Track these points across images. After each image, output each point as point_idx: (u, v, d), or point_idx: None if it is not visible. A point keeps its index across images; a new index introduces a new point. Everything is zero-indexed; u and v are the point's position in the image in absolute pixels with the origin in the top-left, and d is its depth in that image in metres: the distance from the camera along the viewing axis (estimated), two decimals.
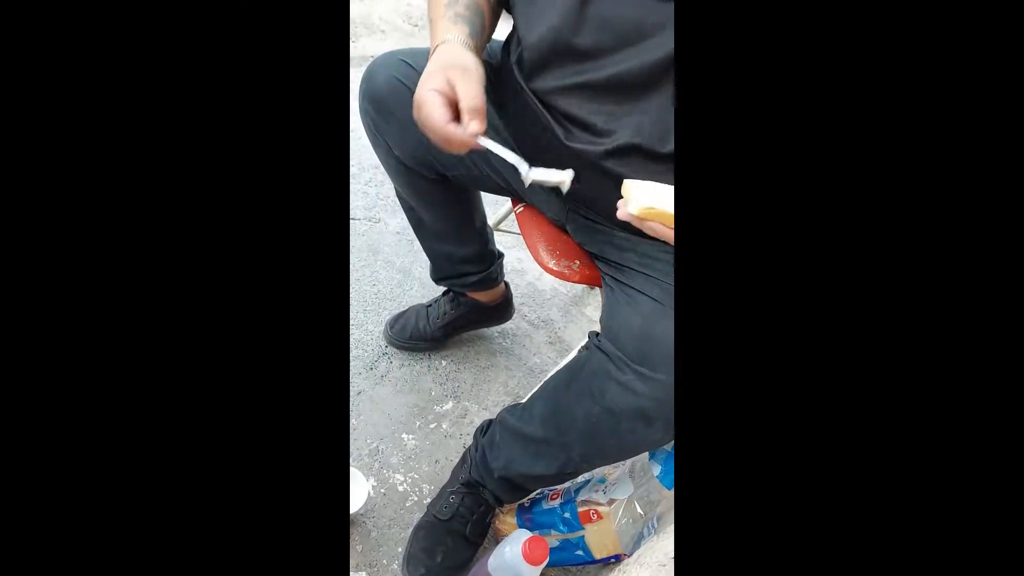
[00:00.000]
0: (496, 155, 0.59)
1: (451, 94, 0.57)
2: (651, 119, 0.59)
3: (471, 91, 0.57)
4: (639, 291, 0.66)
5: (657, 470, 0.76)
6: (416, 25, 2.09)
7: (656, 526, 0.81)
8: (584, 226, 0.74)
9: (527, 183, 0.60)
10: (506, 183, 0.78)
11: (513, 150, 0.73)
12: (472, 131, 0.56)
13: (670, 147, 0.59)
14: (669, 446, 0.75)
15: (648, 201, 0.53)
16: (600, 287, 0.75)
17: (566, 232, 0.79)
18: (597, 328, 0.70)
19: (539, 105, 0.65)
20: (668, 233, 0.54)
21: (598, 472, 0.87)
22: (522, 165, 0.59)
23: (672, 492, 0.79)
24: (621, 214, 0.54)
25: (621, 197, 0.57)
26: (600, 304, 0.74)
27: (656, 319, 0.62)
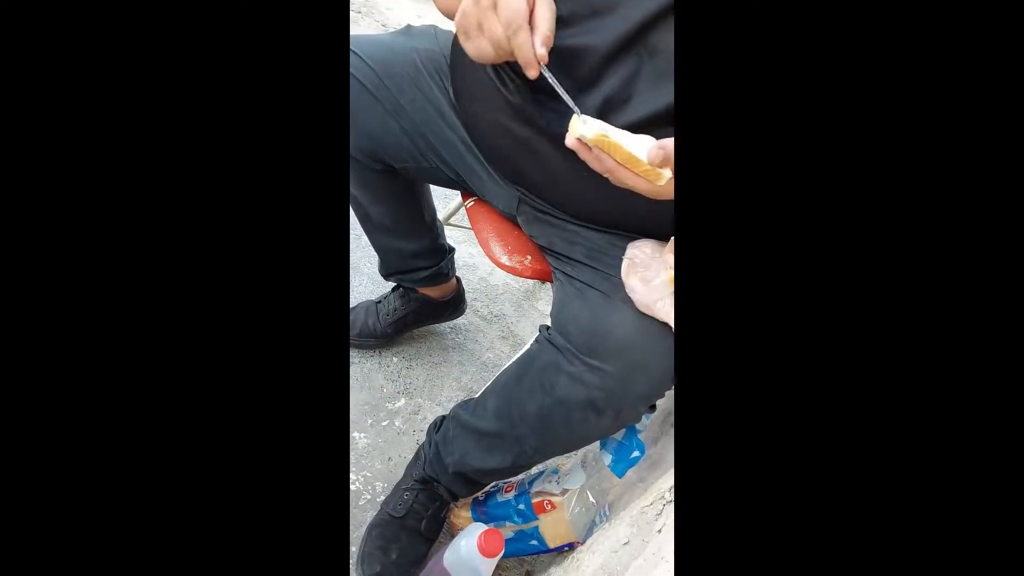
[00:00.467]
0: (551, 95, 0.55)
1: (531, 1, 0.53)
2: (613, 89, 0.59)
3: (550, 20, 0.53)
4: (588, 285, 0.67)
5: (608, 459, 0.78)
6: (359, 12, 2.04)
7: (608, 513, 0.83)
8: (535, 217, 0.74)
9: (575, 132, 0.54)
10: (457, 176, 0.78)
11: (477, 150, 0.72)
12: (541, 55, 0.52)
13: (624, 119, 0.59)
14: (619, 435, 0.77)
15: (601, 129, 0.52)
16: (551, 282, 0.76)
17: (517, 226, 0.80)
18: (548, 322, 0.71)
19: (504, 74, 0.64)
20: (613, 168, 0.53)
21: (551, 463, 0.88)
22: (576, 110, 0.55)
23: (622, 480, 0.81)
24: (569, 140, 0.53)
25: (575, 181, 0.56)
26: (552, 298, 0.75)
27: (604, 312, 0.63)
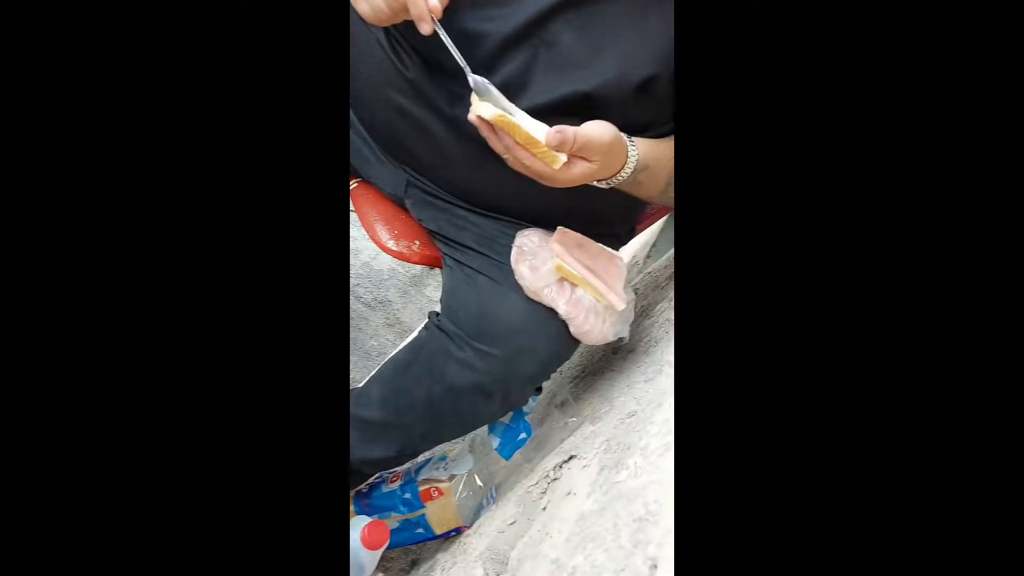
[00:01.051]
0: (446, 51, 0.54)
1: None
2: (510, 75, 0.58)
3: None
4: (478, 271, 0.67)
5: (496, 443, 0.79)
6: None
7: (495, 495, 0.85)
8: (423, 201, 0.73)
9: (473, 87, 0.54)
10: None
11: (363, 129, 0.68)
12: (434, 7, 0.51)
13: (519, 106, 0.58)
14: (506, 418, 0.79)
15: (501, 106, 0.52)
16: (440, 267, 0.75)
17: (405, 210, 0.77)
18: (438, 309, 0.70)
19: (401, 50, 0.62)
20: (512, 147, 0.53)
21: (438, 450, 0.88)
22: (467, 70, 0.54)
23: (509, 462, 0.83)
24: (472, 115, 0.53)
25: (468, 165, 0.56)
26: (440, 284, 0.74)
27: (493, 298, 0.64)
